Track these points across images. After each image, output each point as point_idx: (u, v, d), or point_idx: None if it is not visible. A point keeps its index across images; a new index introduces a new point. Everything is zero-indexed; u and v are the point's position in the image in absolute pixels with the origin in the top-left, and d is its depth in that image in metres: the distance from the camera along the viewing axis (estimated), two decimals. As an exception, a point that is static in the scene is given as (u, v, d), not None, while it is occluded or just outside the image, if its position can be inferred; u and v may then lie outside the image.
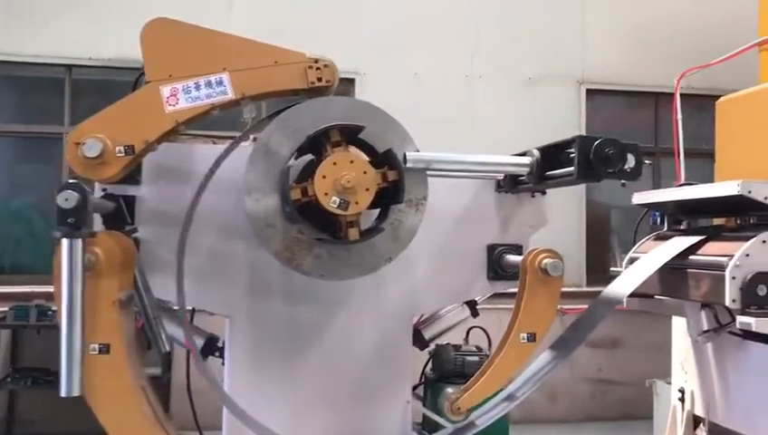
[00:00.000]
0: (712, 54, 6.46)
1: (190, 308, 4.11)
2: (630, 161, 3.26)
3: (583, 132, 8.19)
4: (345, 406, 3.96)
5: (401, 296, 4.04)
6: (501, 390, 3.80)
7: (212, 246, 3.71)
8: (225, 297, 3.79)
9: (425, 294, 4.11)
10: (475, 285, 4.14)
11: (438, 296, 4.15)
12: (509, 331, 3.76)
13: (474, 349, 4.84)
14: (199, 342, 4.03)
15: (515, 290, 4.12)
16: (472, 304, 4.65)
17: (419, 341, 4.61)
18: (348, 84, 7.71)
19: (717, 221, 4.45)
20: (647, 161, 3.36)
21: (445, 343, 4.92)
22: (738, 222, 4.05)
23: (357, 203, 3.24)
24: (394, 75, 7.77)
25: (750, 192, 3.48)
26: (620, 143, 3.23)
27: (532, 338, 3.75)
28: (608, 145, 3.18)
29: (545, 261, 3.69)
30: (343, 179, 3.18)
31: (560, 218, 7.77)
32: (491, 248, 4.12)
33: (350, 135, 3.37)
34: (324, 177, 3.21)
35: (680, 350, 4.73)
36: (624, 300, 4.56)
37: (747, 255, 3.45)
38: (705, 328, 3.84)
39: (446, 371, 4.52)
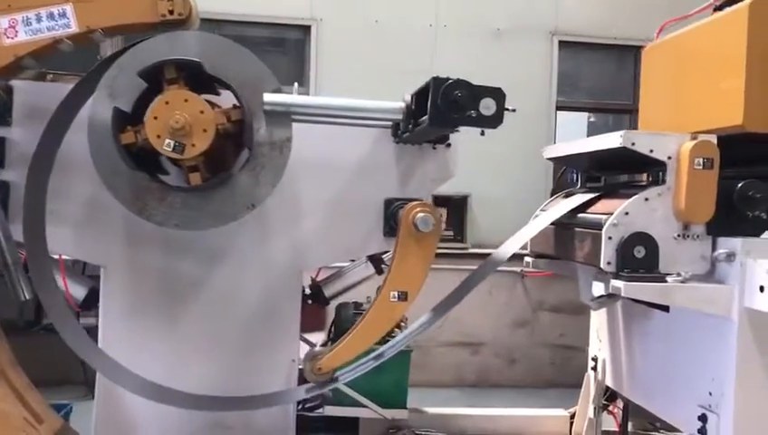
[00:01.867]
0: (693, 3, 6.00)
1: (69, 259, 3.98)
2: (489, 107, 2.96)
3: (555, 88, 7.80)
4: (227, 360, 3.82)
5: (288, 251, 3.85)
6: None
7: (86, 194, 3.53)
8: (100, 247, 3.63)
9: (314, 248, 3.90)
10: (370, 240, 3.90)
11: (329, 252, 3.94)
12: (381, 289, 3.54)
13: (377, 306, 4.60)
14: (80, 292, 3.91)
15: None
16: (378, 261, 4.45)
17: (320, 298, 4.43)
18: (303, 31, 7.42)
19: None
20: (510, 108, 3.06)
21: (352, 301, 4.70)
22: (650, 178, 3.73)
23: (194, 145, 3.03)
24: (353, 22, 7.44)
25: (633, 144, 3.16)
26: (473, 86, 2.92)
27: (403, 297, 3.51)
28: (457, 87, 2.88)
29: (418, 215, 3.44)
30: (172, 120, 2.95)
31: (520, 173, 7.50)
32: (388, 203, 3.87)
33: (197, 74, 3.14)
34: (156, 118, 2.99)
35: (597, 316, 4.44)
36: (530, 260, 4.34)
37: (627, 213, 3.14)
38: (598, 293, 3.55)
39: (344, 330, 4.29)
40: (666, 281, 3.05)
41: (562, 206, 3.67)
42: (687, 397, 3.32)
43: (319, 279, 4.45)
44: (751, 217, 3.07)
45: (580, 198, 3.73)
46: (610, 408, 4.51)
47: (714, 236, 3.16)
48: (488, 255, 3.65)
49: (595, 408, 4.33)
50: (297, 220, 3.87)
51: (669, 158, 3.14)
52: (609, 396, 4.42)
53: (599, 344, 4.39)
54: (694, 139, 3.14)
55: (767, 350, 3.03)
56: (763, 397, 3.03)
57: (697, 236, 3.16)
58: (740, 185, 3.09)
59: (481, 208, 7.60)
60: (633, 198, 3.16)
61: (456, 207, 7.64)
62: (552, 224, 3.78)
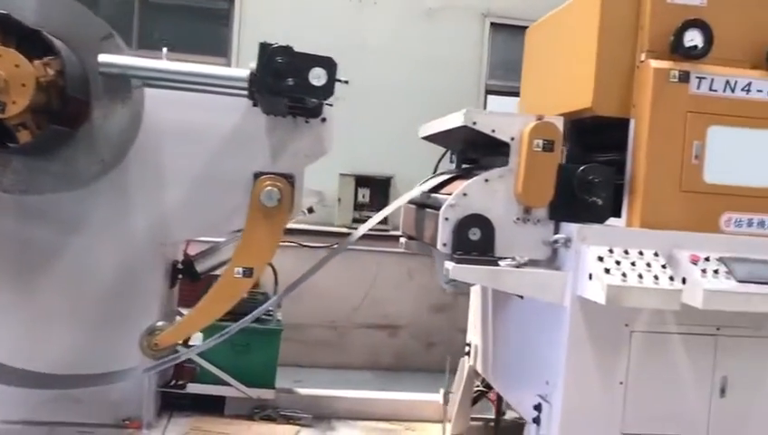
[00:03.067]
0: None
1: None
2: (320, 77, 2.84)
3: (485, 71, 7.67)
4: (87, 330, 3.73)
5: (149, 222, 3.73)
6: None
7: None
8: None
9: (177, 222, 3.78)
10: (238, 215, 3.75)
11: (194, 225, 3.82)
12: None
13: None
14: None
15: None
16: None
17: (191, 273, 4.30)
18: (227, 4, 7.22)
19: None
20: (343, 79, 2.94)
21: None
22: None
23: (15, 103, 2.88)
24: (279, -7, 7.25)
25: (475, 123, 3.05)
26: (299, 54, 2.80)
27: (248, 273, 3.42)
28: (280, 54, 2.75)
29: (264, 189, 3.33)
30: (-17, 76, 2.79)
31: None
32: (257, 176, 3.72)
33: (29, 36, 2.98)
34: (-30, 79, 2.83)
35: (474, 301, 4.36)
36: (403, 241, 4.25)
37: (465, 194, 3.04)
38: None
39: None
40: (498, 264, 2.96)
41: (417, 188, 3.56)
42: (529, 385, 3.25)
43: (192, 254, 4.33)
44: (590, 202, 2.98)
45: (436, 180, 3.63)
46: (490, 395, 4.44)
47: (556, 220, 3.07)
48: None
49: (463, 393, 4.26)
50: (159, 192, 3.74)
51: (512, 139, 3.04)
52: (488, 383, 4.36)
53: (474, 330, 4.32)
54: (539, 119, 3.03)
55: (599, 340, 2.94)
56: (593, 388, 2.95)
57: (538, 221, 3.07)
58: (580, 169, 2.99)
59: (405, 190, 7.45)
60: (473, 179, 3.06)
61: (379, 189, 7.50)
62: (414, 204, 3.69)
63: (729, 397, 3.03)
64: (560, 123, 3.03)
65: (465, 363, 4.34)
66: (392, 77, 7.41)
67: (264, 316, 4.38)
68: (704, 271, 2.80)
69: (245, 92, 3.50)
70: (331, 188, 7.12)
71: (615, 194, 3.07)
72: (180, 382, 4.27)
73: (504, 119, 3.06)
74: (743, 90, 3.00)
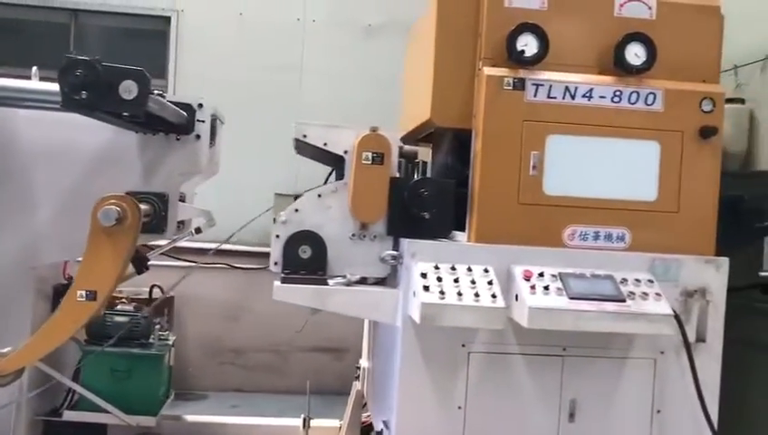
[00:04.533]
0: None
1: None
2: (131, 90, 2.73)
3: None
4: None
5: (16, 244, 3.66)
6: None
7: None
8: None
9: (48, 243, 3.72)
10: None
11: (64, 247, 3.73)
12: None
13: (130, 309, 4.38)
14: None
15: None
16: (141, 260, 4.22)
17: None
18: (163, 23, 7.18)
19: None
20: (156, 92, 2.83)
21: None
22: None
23: None
24: (216, 14, 7.18)
25: (305, 136, 2.93)
26: (106, 66, 2.67)
27: (92, 296, 3.28)
28: (82, 66, 2.63)
29: (102, 208, 3.21)
30: None
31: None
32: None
33: None
34: None
35: (367, 323, 4.21)
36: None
37: (297, 210, 2.92)
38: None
39: (93, 332, 4.09)
40: (327, 283, 2.82)
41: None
42: (380, 410, 3.09)
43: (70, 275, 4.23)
44: (422, 217, 2.84)
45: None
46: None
47: (395, 237, 2.93)
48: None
49: (351, 419, 4.09)
50: (27, 212, 3.68)
51: (346, 152, 2.91)
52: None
53: (365, 353, 4.16)
54: (373, 131, 2.91)
55: (433, 362, 2.78)
56: (429, 414, 2.78)
57: (375, 237, 2.93)
58: (412, 183, 2.85)
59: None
60: (306, 195, 2.93)
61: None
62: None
63: (579, 421, 2.84)
64: (394, 136, 2.90)
65: (355, 388, 4.18)
66: (332, 95, 7.32)
67: (147, 341, 4.27)
68: (532, 287, 2.64)
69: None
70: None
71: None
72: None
73: (335, 131, 2.94)
74: (584, 96, 2.85)
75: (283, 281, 2.80)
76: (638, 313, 2.60)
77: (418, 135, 3.39)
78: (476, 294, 2.59)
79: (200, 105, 3.65)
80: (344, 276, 2.84)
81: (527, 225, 2.83)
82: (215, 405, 6.61)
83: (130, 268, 4.18)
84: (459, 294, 2.58)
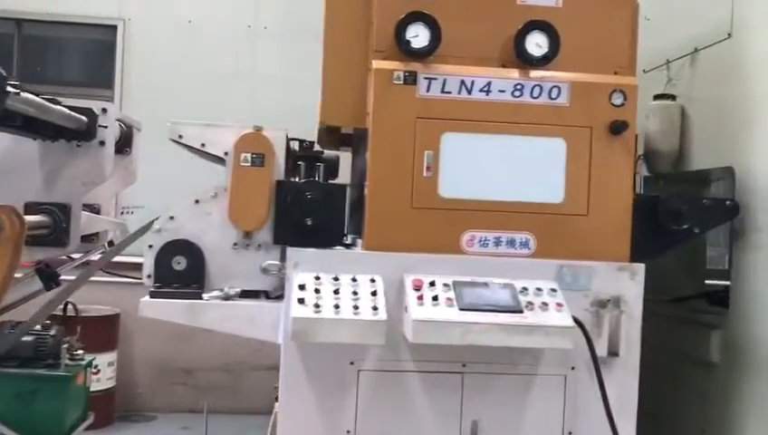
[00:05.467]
0: None
1: None
2: (-16, 90, 2.50)
3: (387, 94, 7.34)
4: None
5: None
6: None
7: None
8: None
9: None
10: None
11: None
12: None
13: (39, 328, 4.13)
14: None
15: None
16: (51, 276, 3.97)
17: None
18: (110, 31, 6.97)
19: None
20: (45, 96, 2.62)
21: (9, 320, 4.23)
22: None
23: None
24: (164, 22, 6.97)
25: (181, 137, 2.70)
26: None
27: (-29, 313, 3.07)
28: None
29: (-16, 218, 2.98)
30: None
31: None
32: (29, 207, 3.39)
33: None
34: None
35: (289, 338, 3.96)
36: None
37: (172, 218, 2.68)
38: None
39: (-6, 351, 3.83)
40: (201, 298, 2.59)
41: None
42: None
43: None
44: (308, 223, 2.60)
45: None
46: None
47: (283, 245, 2.70)
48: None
49: (269, 442, 3.83)
50: None
51: (226, 153, 2.69)
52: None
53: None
54: (258, 130, 2.68)
55: (318, 381, 2.55)
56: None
57: (260, 246, 2.70)
58: (294, 186, 2.63)
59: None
60: (186, 201, 2.70)
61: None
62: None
63: (482, 445, 2.60)
64: (280, 135, 2.68)
65: (276, 409, 3.92)
66: (286, 102, 7.10)
67: (55, 361, 4.02)
68: (420, 298, 2.41)
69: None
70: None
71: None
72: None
73: (214, 131, 2.72)
74: (481, 91, 2.63)
75: (152, 295, 2.56)
76: (533, 325, 2.37)
77: (333, 137, 3.18)
78: (356, 307, 2.35)
79: (104, 110, 3.43)
80: (222, 289, 2.60)
81: (422, 230, 2.60)
82: (164, 427, 6.35)
83: (38, 285, 3.98)
84: (336, 307, 2.34)
